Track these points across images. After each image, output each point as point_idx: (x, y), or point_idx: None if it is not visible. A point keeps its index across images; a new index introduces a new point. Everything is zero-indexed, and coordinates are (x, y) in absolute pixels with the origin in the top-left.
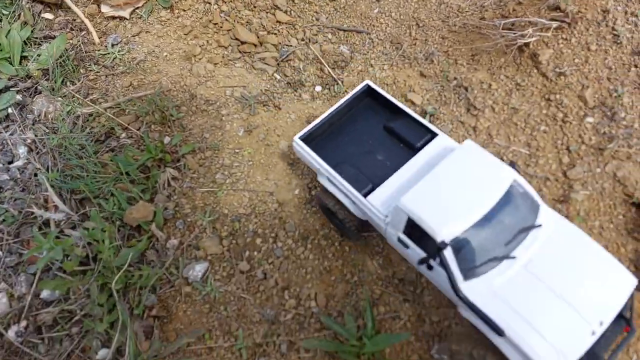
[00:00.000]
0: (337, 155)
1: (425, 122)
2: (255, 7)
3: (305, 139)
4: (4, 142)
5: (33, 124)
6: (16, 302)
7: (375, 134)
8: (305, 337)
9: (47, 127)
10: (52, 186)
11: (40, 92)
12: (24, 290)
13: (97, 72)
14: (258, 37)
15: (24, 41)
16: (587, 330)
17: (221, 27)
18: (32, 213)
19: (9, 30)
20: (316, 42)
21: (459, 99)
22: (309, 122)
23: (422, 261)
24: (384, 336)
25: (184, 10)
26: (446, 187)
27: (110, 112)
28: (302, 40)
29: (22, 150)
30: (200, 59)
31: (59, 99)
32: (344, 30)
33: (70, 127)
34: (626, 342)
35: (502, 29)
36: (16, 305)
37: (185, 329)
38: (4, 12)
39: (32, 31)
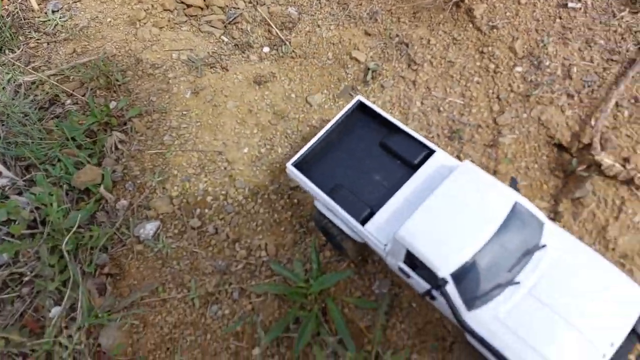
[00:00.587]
0: (332, 178)
1: (421, 138)
2: None
3: (298, 164)
4: None
5: None
6: None
7: (371, 152)
8: (256, 284)
9: None
10: None
11: None
12: None
13: (38, 39)
14: (204, 0)
15: None
16: (597, 355)
17: None
18: None
19: None
20: (264, 4)
21: (401, 55)
22: (255, 82)
23: (424, 294)
24: (328, 276)
25: None
26: (445, 214)
27: (53, 80)
28: (250, 2)
29: None
30: (145, 23)
31: None
32: None
33: (12, 95)
34: (633, 344)
35: None
36: None
37: (138, 285)
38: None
39: None
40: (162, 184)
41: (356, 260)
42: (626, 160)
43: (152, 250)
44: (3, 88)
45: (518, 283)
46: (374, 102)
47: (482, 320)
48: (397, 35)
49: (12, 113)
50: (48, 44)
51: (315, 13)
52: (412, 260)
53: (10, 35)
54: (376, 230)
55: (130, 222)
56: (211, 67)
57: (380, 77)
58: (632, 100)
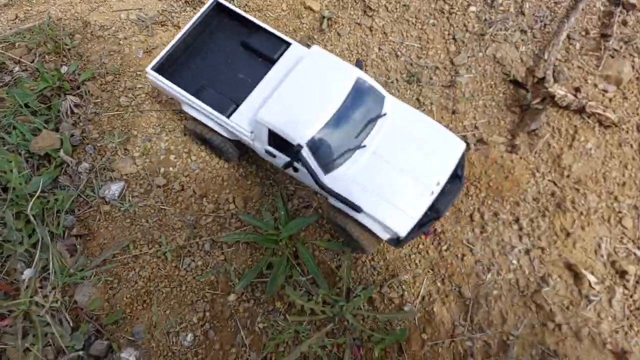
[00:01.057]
0: (197, 80)
1: (278, 33)
2: None
3: (159, 68)
4: None
5: None
6: None
7: (233, 51)
8: (227, 234)
9: None
10: None
11: None
12: None
13: None
14: None
15: None
16: (427, 192)
17: None
18: None
19: None
20: None
21: (355, 1)
22: None
23: (287, 165)
24: (296, 221)
25: None
26: (297, 94)
27: None
28: None
29: None
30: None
31: None
32: None
33: None
34: (458, 193)
35: None
36: None
37: (109, 244)
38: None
39: None
40: (123, 145)
41: (235, 158)
42: (577, 90)
43: (119, 210)
44: None
45: (364, 146)
46: (331, 51)
47: (337, 180)
48: None
49: None
50: None
51: None
52: (274, 140)
53: None
54: (242, 121)
55: (94, 184)
56: (162, 25)
57: (336, 25)
58: (583, 33)
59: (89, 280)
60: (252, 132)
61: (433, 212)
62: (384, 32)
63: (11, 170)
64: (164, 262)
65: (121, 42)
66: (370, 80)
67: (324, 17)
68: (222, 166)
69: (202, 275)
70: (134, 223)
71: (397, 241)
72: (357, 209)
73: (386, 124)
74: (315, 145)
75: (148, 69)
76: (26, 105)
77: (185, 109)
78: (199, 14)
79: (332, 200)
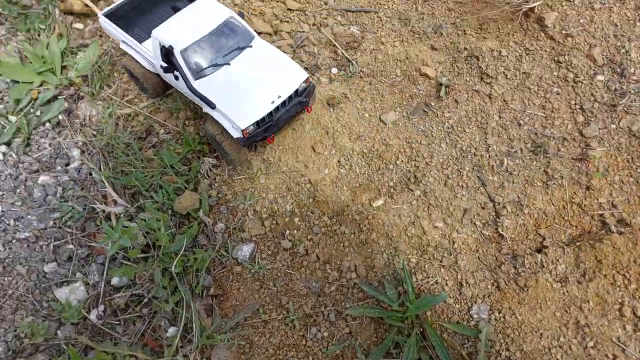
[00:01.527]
0: (132, 28)
1: None
2: None
3: (109, 15)
4: (59, 146)
5: (81, 128)
6: (92, 289)
7: (166, 13)
8: (350, 306)
9: (93, 130)
10: (107, 183)
11: (82, 98)
12: (97, 279)
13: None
14: (272, 27)
15: (62, 51)
16: (268, 101)
17: None
18: (94, 209)
19: (48, 43)
20: (327, 25)
21: (472, 68)
22: (329, 104)
23: (167, 70)
24: (424, 299)
25: None
26: (183, 22)
27: (146, 111)
28: (314, 25)
29: (75, 153)
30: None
31: (99, 102)
32: (353, 12)
33: (114, 128)
34: (298, 110)
35: None
36: (92, 292)
37: (240, 305)
38: (41, 26)
39: (67, 42)
40: (253, 206)
41: (155, 95)
42: None
43: (249, 271)
44: (105, 121)
45: (229, 64)
46: (449, 118)
47: (203, 85)
48: (466, 49)
49: (116, 144)
50: None
51: (378, 30)
52: (164, 54)
53: (108, 72)
54: (148, 45)
55: (228, 244)
56: None
57: (453, 92)
58: None
59: (224, 343)
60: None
61: (274, 120)
62: (504, 100)
63: (159, 229)
64: (292, 330)
65: None
66: (242, 22)
67: (440, 84)
68: (342, 232)
69: (328, 349)
70: (263, 286)
71: (244, 139)
72: (212, 106)
73: (250, 53)
74: (187, 55)
75: (100, 14)
76: (171, 166)
77: (122, 46)
78: None
79: (204, 109)
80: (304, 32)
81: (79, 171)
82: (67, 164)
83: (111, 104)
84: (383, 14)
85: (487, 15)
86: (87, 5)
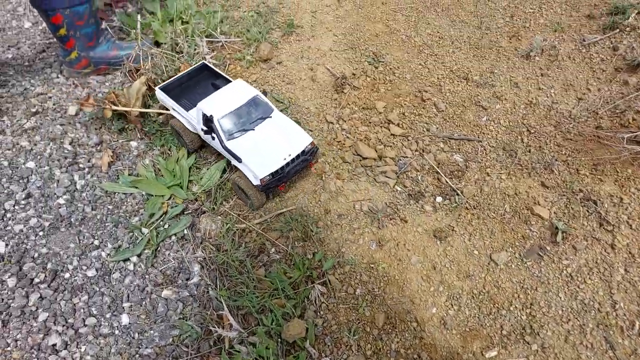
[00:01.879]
0: (180, 99)
1: (229, 78)
2: (370, 122)
3: (163, 89)
4: (182, 260)
5: (201, 242)
6: None
7: (207, 89)
8: None
9: (212, 245)
10: (221, 302)
11: (204, 212)
12: None
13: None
14: (376, 152)
15: (190, 167)
16: (281, 158)
17: (344, 144)
18: (209, 329)
19: (178, 158)
20: (430, 151)
21: (589, 212)
22: (435, 236)
23: (206, 132)
24: None
25: (311, 131)
26: (221, 97)
27: (259, 228)
28: (416, 150)
29: (196, 268)
30: (329, 175)
31: (219, 217)
32: (455, 139)
33: (230, 244)
34: (304, 166)
35: (627, 144)
36: None
37: None
38: (174, 145)
39: (195, 158)
40: (357, 341)
41: (193, 148)
42: None
43: None
44: (223, 236)
45: (254, 129)
46: (568, 265)
47: (233, 144)
48: (581, 190)
49: (232, 262)
50: None
51: (482, 160)
52: (204, 120)
53: (229, 187)
54: (193, 113)
55: None
56: (391, 219)
57: (570, 237)
58: None
59: None
60: (198, 122)
61: (284, 173)
62: (630, 252)
63: (268, 357)
64: None
65: (355, 231)
66: (266, 99)
67: (557, 229)
68: None
69: None
70: None
71: (261, 186)
72: (239, 160)
73: (270, 122)
74: (223, 122)
75: (157, 88)
76: (282, 289)
77: (172, 112)
78: (192, 67)
79: (233, 162)
80: (407, 157)
81: (198, 287)
82: (188, 279)
83: (229, 219)
84: (487, 143)
85: (603, 157)
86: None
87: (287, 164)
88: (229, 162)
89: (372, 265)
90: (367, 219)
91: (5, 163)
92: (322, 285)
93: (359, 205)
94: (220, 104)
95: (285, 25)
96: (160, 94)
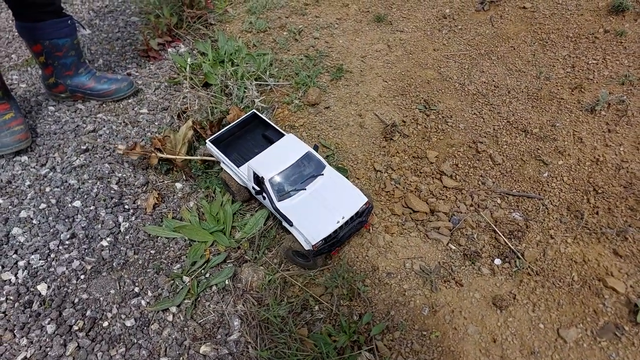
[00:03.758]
0: (231, 152)
1: (281, 130)
2: (421, 172)
3: (213, 142)
4: (222, 313)
5: (242, 294)
6: None
7: (256, 139)
8: None
9: (254, 298)
10: None
11: (246, 261)
12: None
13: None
14: (428, 204)
15: (234, 213)
16: (334, 222)
17: (393, 195)
18: None
19: (222, 202)
20: (485, 207)
21: None
22: (495, 304)
23: (257, 192)
24: None
25: (358, 179)
26: (272, 155)
27: (302, 282)
28: (471, 205)
29: (236, 323)
30: (377, 228)
31: (261, 267)
32: (514, 196)
33: (272, 298)
34: (358, 228)
35: None
36: None
37: None
38: (218, 187)
39: (240, 204)
40: None
41: (242, 200)
42: None
43: None
44: (265, 289)
45: (305, 189)
46: None
47: (283, 205)
48: None
49: (273, 318)
50: None
51: (544, 220)
52: (255, 178)
53: (274, 236)
54: (244, 170)
55: None
56: (445, 281)
57: None
58: None
59: None
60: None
61: (338, 237)
62: None
63: None
64: None
65: (406, 293)
66: (318, 155)
67: (636, 307)
68: None
69: None
70: None
71: (313, 252)
72: (290, 223)
73: (322, 180)
74: (274, 182)
75: (207, 141)
76: (327, 354)
77: (222, 165)
78: (242, 117)
79: (283, 223)
80: (461, 213)
81: (238, 344)
82: (228, 334)
83: (271, 270)
84: (549, 201)
85: None
86: None
87: (341, 227)
88: (272, 214)
89: (424, 333)
90: (419, 279)
91: (53, 201)
92: (369, 352)
93: (409, 264)
94: (272, 162)
95: (334, 70)
96: (211, 147)
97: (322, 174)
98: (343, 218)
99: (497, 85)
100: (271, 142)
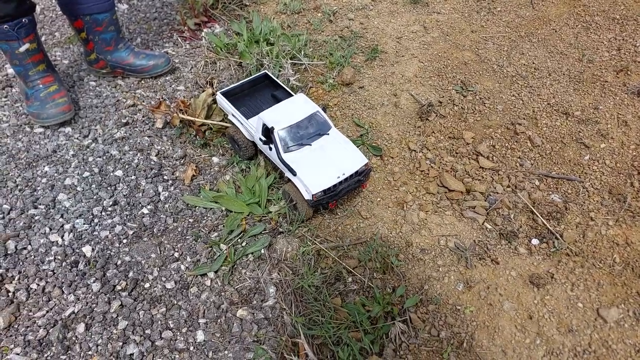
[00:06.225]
0: (240, 105)
1: (290, 91)
2: (457, 153)
3: (224, 94)
4: (258, 280)
5: (277, 263)
6: None
7: (265, 97)
8: None
9: (288, 267)
10: (297, 329)
11: (281, 233)
12: None
13: (322, 214)
14: (464, 184)
15: (269, 186)
16: (335, 176)
17: (428, 174)
18: (284, 356)
19: (258, 178)
20: (523, 189)
21: None
22: (532, 282)
23: (265, 142)
24: None
25: (392, 158)
26: (282, 110)
27: (335, 255)
28: (508, 187)
29: (271, 290)
30: (411, 206)
31: (295, 239)
32: (553, 177)
33: (306, 268)
34: (356, 186)
35: None
36: None
37: None
38: (251, 165)
39: (274, 178)
40: None
41: (247, 156)
42: None
43: None
44: (299, 259)
45: (310, 145)
46: None
47: (288, 157)
48: None
49: (307, 287)
50: (331, 219)
51: (584, 202)
52: (263, 130)
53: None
54: (253, 122)
55: None
56: (480, 259)
57: None
58: None
59: None
60: (256, 130)
61: (336, 191)
62: None
63: None
64: None
65: (440, 269)
66: (325, 115)
67: None
68: None
69: None
70: None
71: (312, 201)
72: (294, 173)
73: (327, 139)
74: (281, 134)
75: (218, 92)
76: (360, 322)
77: (230, 117)
78: (254, 76)
79: (286, 174)
80: (498, 193)
81: (273, 310)
82: (263, 300)
83: (305, 242)
84: (589, 184)
85: None
86: None
87: (340, 183)
88: (281, 173)
89: (459, 307)
90: (454, 256)
91: (96, 170)
92: (402, 323)
93: (444, 241)
94: (281, 116)
95: (369, 50)
96: (220, 99)
97: (328, 134)
98: (343, 174)
99: (537, 68)
100: (279, 102)
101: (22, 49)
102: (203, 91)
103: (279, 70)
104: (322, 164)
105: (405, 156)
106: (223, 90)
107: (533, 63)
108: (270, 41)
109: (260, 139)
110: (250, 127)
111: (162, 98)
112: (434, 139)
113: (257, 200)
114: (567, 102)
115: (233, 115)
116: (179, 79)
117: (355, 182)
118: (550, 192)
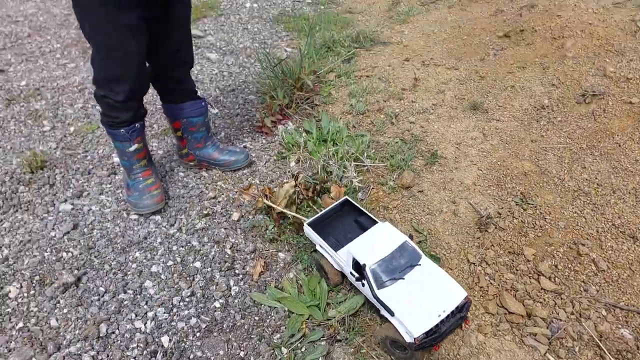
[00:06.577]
0: (327, 235)
1: (374, 217)
2: (517, 270)
3: (311, 225)
4: None
5: None
6: None
7: (349, 224)
8: None
9: None
10: None
11: (339, 341)
12: None
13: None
14: (524, 306)
15: (329, 290)
16: (435, 315)
17: (487, 291)
18: None
19: (319, 280)
20: (588, 318)
21: None
22: None
23: (358, 279)
24: None
25: (451, 269)
26: (368, 241)
27: None
28: (572, 314)
29: None
30: (469, 326)
31: (351, 349)
32: (621, 309)
33: None
34: (459, 324)
35: None
36: None
37: None
38: (313, 265)
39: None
40: None
41: (334, 284)
42: None
43: None
44: None
45: (403, 278)
46: None
47: (383, 294)
48: None
49: None
50: None
51: None
52: (354, 264)
53: (367, 320)
54: (342, 254)
55: None
56: None
57: None
58: None
59: None
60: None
61: (439, 332)
62: None
63: None
64: None
65: None
66: (413, 244)
67: None
68: None
69: None
70: None
71: (415, 345)
72: (392, 313)
73: (419, 270)
74: (373, 270)
75: (305, 224)
76: None
77: (317, 248)
78: (335, 203)
79: (381, 312)
80: (560, 320)
81: None
82: None
83: (361, 356)
84: None
85: None
86: None
87: (442, 322)
88: (368, 300)
89: None
90: None
91: (179, 259)
92: None
93: None
94: (371, 249)
95: (429, 155)
96: (308, 230)
97: (419, 264)
98: (444, 312)
99: (600, 184)
100: (363, 229)
101: (132, 148)
102: (286, 182)
103: (343, 172)
104: (420, 301)
105: (464, 269)
106: (309, 220)
107: (596, 178)
108: (335, 142)
109: (352, 274)
110: (340, 260)
111: (251, 182)
112: (494, 252)
113: (317, 303)
114: (634, 225)
115: (321, 247)
116: (254, 172)
117: (458, 320)
118: (620, 326)
